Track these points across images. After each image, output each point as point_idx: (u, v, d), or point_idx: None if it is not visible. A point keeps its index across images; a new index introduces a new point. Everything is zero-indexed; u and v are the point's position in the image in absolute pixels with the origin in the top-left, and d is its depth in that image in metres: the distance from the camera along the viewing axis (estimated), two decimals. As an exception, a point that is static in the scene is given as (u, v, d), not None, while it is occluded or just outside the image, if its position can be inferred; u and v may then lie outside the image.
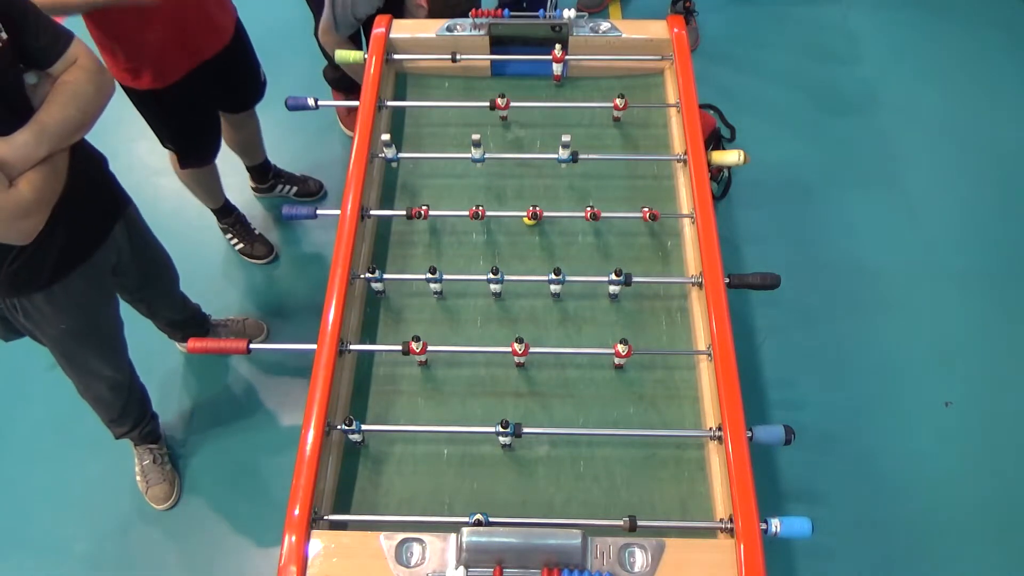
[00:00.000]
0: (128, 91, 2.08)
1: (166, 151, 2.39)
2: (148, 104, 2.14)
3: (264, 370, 2.57)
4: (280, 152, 2.99)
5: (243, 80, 2.38)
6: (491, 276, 1.57)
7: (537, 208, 1.69)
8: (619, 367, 1.57)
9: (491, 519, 1.31)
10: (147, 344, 2.38)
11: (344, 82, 2.97)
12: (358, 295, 1.65)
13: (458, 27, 1.98)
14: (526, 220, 1.72)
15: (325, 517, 1.34)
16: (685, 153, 1.79)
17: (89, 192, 1.67)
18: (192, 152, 2.40)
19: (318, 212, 1.78)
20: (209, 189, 2.62)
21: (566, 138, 1.73)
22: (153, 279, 2.18)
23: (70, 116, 1.45)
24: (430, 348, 1.52)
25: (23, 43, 1.41)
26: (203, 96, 2.21)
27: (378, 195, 1.82)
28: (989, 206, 2.92)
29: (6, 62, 1.38)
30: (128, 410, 2.16)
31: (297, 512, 1.29)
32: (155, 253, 2.12)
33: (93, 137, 1.61)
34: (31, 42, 1.42)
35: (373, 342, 1.62)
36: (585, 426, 1.52)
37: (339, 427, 1.42)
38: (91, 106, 1.49)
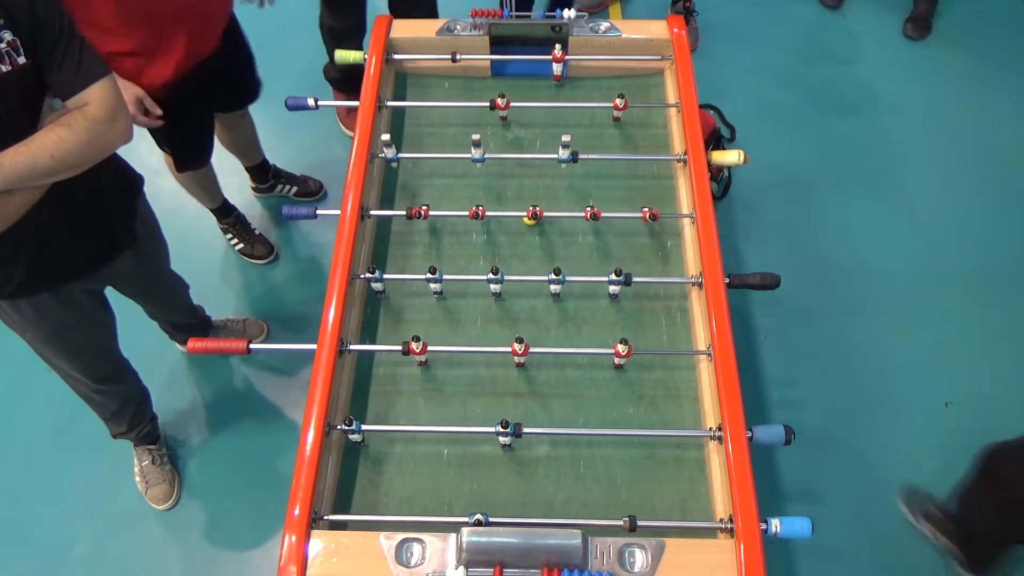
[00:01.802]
0: None
1: (162, 152, 2.38)
2: None
3: (264, 370, 2.57)
4: (280, 152, 2.99)
5: (238, 78, 2.37)
6: (491, 276, 1.57)
7: (537, 208, 1.69)
8: (619, 367, 1.57)
9: (491, 519, 1.31)
10: (147, 344, 2.38)
11: (345, 82, 2.96)
12: (358, 295, 1.65)
13: (458, 27, 1.98)
14: (526, 220, 1.72)
15: (325, 517, 1.35)
16: (685, 153, 1.79)
17: (80, 224, 1.61)
18: (188, 155, 2.39)
19: (318, 212, 1.79)
20: (206, 189, 2.61)
21: (566, 138, 1.73)
22: (161, 301, 2.19)
23: (38, 162, 1.35)
24: (430, 348, 1.52)
25: (44, 71, 1.37)
26: (199, 97, 2.20)
27: (378, 195, 1.82)
28: (989, 206, 2.92)
29: (19, 86, 1.35)
30: (122, 413, 2.15)
31: (297, 512, 1.29)
32: (165, 283, 2.11)
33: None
34: (51, 72, 1.38)
35: (373, 342, 1.62)
36: (585, 426, 1.52)
37: (339, 427, 1.42)
38: (70, 157, 1.39)
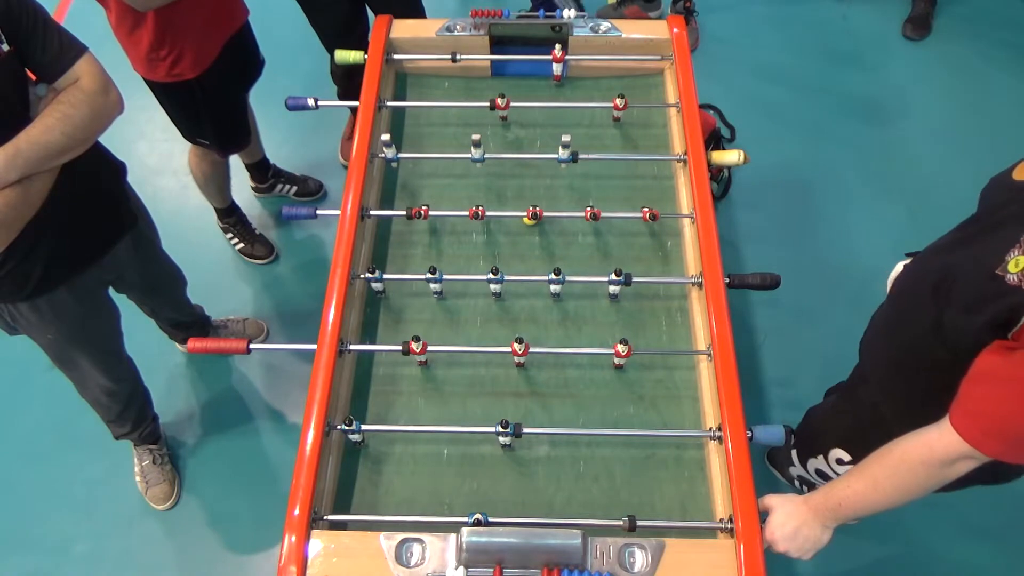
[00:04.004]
0: (166, 88, 2.06)
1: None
2: (189, 96, 2.11)
3: (264, 370, 2.57)
4: (280, 152, 2.99)
5: (252, 59, 2.37)
6: (491, 276, 1.57)
7: (537, 208, 1.69)
8: (619, 367, 1.57)
9: (491, 519, 1.31)
10: (148, 345, 2.38)
11: (350, 96, 2.92)
12: (358, 295, 1.65)
13: (458, 27, 1.98)
14: (526, 220, 1.72)
15: (325, 517, 1.35)
16: (685, 153, 1.79)
17: (88, 208, 1.63)
18: (232, 136, 2.39)
19: (318, 212, 1.79)
20: (221, 188, 2.62)
21: (566, 138, 1.73)
22: (159, 291, 2.19)
23: (52, 141, 1.39)
24: (430, 348, 1.52)
25: (27, 56, 1.39)
26: (232, 77, 2.21)
27: (378, 195, 1.82)
28: (989, 206, 2.92)
29: (7, 73, 1.36)
30: (127, 413, 2.16)
31: (297, 512, 1.29)
32: (163, 269, 2.11)
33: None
34: (35, 55, 1.40)
35: (373, 342, 1.62)
36: (585, 426, 1.52)
37: (339, 427, 1.42)
38: (79, 131, 1.43)
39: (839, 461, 1.59)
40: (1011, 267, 1.07)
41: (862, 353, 1.61)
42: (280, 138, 3.05)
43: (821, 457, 1.66)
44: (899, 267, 1.63)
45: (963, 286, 1.17)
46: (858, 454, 1.51)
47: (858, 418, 1.56)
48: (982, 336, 1.11)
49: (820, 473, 1.66)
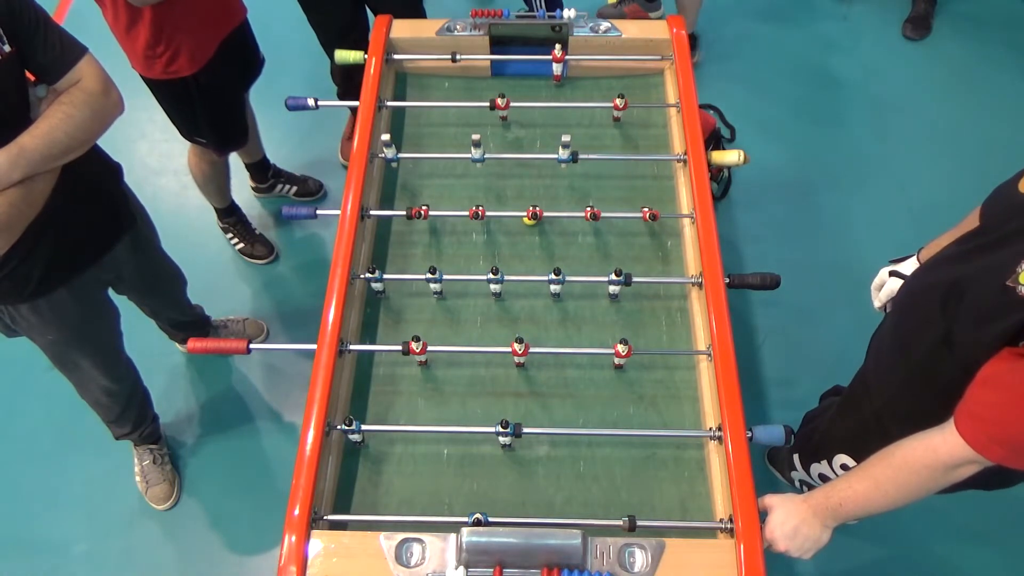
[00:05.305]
0: (163, 85, 2.07)
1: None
2: (185, 94, 2.11)
3: (264, 370, 2.57)
4: (280, 152, 2.99)
5: (251, 57, 2.37)
6: (491, 276, 1.57)
7: (537, 208, 1.69)
8: (619, 367, 1.57)
9: (491, 519, 1.31)
10: (148, 345, 2.38)
11: (350, 96, 2.92)
12: (358, 295, 1.65)
13: (458, 27, 1.98)
14: (526, 220, 1.73)
15: (325, 517, 1.35)
16: (685, 153, 1.79)
17: (87, 209, 1.64)
18: (230, 136, 2.39)
19: (318, 212, 1.79)
20: (220, 188, 2.62)
21: (566, 138, 1.73)
22: (159, 292, 2.19)
23: (55, 141, 1.40)
24: (430, 348, 1.52)
25: (28, 56, 1.39)
26: (229, 75, 2.21)
27: (378, 195, 1.82)
28: (989, 206, 2.91)
29: (9, 74, 1.37)
30: (127, 414, 2.16)
31: (297, 512, 1.29)
32: (162, 269, 2.11)
33: (93, 137, 1.60)
34: (36, 56, 1.40)
35: (373, 342, 1.62)
36: (585, 426, 1.52)
37: (339, 427, 1.42)
38: (81, 132, 1.44)
39: (844, 467, 1.59)
40: (1022, 279, 1.08)
41: (868, 361, 1.60)
42: (280, 138, 3.05)
43: (825, 462, 1.65)
44: (883, 274, 1.62)
45: (972, 299, 1.17)
46: (864, 460, 1.52)
47: (864, 427, 1.55)
48: (992, 349, 1.12)
49: (823, 477, 1.66)
